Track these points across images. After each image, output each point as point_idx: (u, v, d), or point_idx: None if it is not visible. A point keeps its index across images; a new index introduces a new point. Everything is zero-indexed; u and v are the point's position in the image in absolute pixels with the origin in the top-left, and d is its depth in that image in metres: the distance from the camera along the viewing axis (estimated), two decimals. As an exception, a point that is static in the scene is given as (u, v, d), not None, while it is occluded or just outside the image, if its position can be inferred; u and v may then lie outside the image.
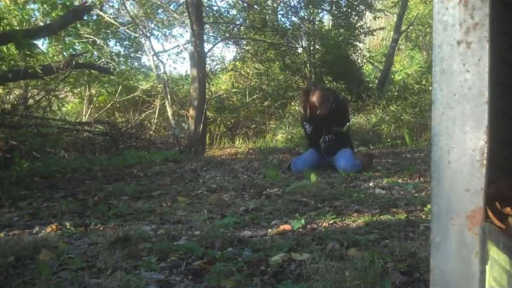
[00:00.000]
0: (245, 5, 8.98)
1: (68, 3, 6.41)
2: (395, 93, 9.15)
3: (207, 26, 8.31)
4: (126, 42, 9.33)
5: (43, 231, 2.20)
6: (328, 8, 9.79)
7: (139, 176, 4.03)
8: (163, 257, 1.74)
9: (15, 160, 3.88)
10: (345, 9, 9.56)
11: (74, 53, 6.80)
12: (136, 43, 9.23)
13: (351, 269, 1.49)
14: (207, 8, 8.81)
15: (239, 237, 2.00)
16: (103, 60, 8.07)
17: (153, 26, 9.17)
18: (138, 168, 4.41)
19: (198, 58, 6.32)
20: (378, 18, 10.30)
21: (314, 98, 4.22)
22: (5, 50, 5.44)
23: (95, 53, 8.05)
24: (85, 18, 6.63)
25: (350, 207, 2.57)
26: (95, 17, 7.59)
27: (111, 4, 8.62)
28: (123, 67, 9.09)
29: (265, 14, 9.05)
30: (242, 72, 9.69)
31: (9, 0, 5.98)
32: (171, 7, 9.30)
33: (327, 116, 4.14)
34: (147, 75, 10.66)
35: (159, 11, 9.28)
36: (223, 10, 9.34)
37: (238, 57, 10.29)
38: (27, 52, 4.46)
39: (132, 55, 9.60)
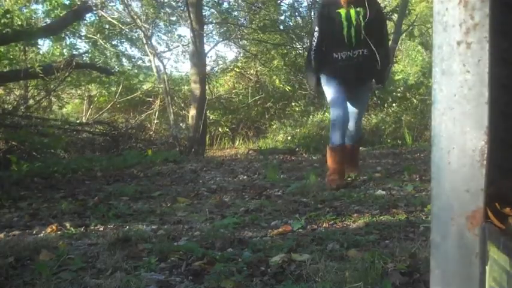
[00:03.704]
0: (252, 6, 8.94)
1: (68, 3, 6.42)
2: (397, 94, 9.14)
3: (209, 25, 8.31)
4: (126, 43, 9.33)
5: (43, 232, 2.20)
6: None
7: (139, 176, 4.03)
8: (163, 258, 1.74)
9: (13, 161, 3.87)
10: None
11: (74, 53, 6.80)
12: (138, 44, 9.22)
13: (351, 270, 1.49)
14: (209, 9, 8.80)
15: (239, 237, 2.00)
16: (103, 60, 8.08)
17: (154, 26, 9.17)
18: (138, 168, 4.40)
19: (198, 58, 6.33)
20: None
21: None
22: (9, 50, 5.44)
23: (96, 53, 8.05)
24: (85, 18, 6.65)
25: (350, 208, 2.56)
26: (97, 18, 7.59)
27: (113, 5, 8.63)
28: (124, 66, 9.08)
29: (268, 15, 9.03)
30: (243, 72, 9.69)
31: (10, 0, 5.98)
32: (173, 6, 9.28)
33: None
34: (147, 76, 10.65)
35: (161, 12, 9.26)
36: (224, 10, 9.31)
37: (239, 57, 10.28)
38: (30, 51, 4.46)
39: (132, 55, 9.61)
